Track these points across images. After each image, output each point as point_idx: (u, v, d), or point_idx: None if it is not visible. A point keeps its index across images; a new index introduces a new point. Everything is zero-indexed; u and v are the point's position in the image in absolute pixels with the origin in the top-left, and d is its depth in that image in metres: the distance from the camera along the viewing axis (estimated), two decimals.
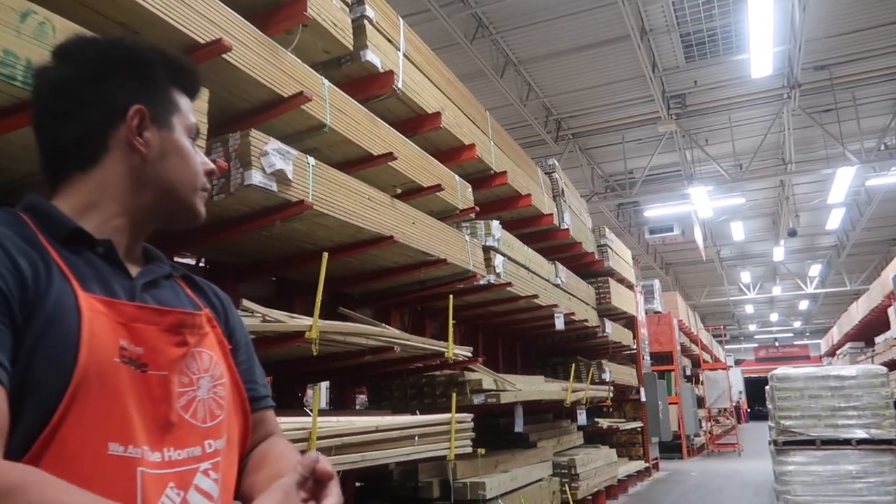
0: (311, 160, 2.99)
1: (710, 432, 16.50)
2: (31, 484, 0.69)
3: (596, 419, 9.14)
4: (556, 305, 6.37)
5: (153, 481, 0.82)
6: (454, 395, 4.19)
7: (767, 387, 6.66)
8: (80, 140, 0.93)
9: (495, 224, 5.07)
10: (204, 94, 2.29)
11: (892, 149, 11.96)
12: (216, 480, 0.90)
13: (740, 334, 37.81)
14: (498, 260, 4.99)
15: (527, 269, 5.73)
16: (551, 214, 6.58)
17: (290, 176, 2.79)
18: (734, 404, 19.98)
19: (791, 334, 38.55)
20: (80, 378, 0.78)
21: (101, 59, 0.95)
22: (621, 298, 9.12)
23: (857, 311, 16.43)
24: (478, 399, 4.69)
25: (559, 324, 6.54)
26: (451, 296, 4.36)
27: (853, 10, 8.90)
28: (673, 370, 13.79)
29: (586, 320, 7.59)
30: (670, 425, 12.04)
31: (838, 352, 20.72)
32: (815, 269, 23.09)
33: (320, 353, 3.01)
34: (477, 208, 4.79)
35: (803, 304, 29.96)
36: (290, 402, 4.12)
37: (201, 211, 1.03)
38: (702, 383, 17.22)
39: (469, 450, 4.14)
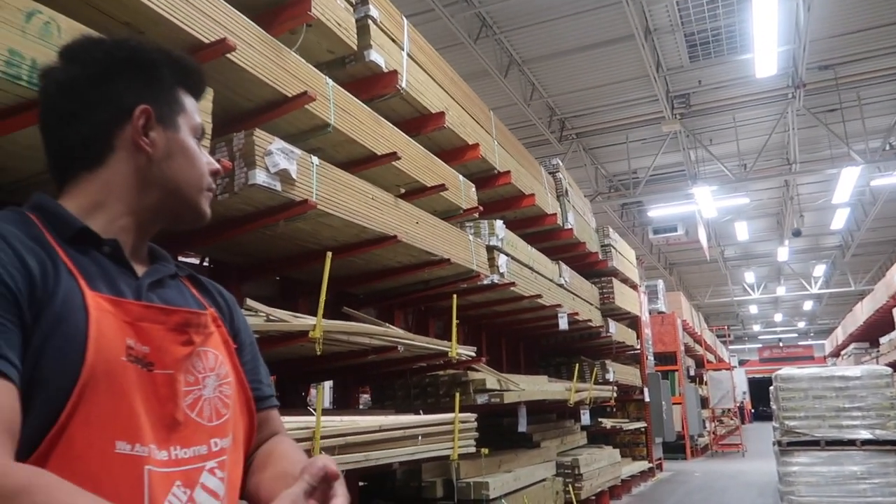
0: (315, 160, 2.99)
1: (713, 433, 16.47)
2: (39, 486, 0.70)
3: (599, 419, 9.13)
4: (559, 305, 6.36)
5: (160, 480, 0.82)
6: (457, 394, 4.19)
7: (772, 387, 6.64)
8: (86, 140, 0.94)
9: (499, 224, 5.07)
10: (208, 93, 2.30)
11: None
12: (222, 479, 0.90)
13: (744, 335, 37.73)
14: (501, 260, 4.99)
15: (530, 268, 5.73)
16: (555, 214, 6.58)
17: (294, 175, 2.79)
18: (738, 405, 19.93)
19: (795, 335, 38.45)
20: (88, 377, 0.78)
21: (107, 60, 0.95)
22: (625, 298, 9.11)
23: (862, 312, 16.37)
24: (481, 399, 4.69)
25: (563, 324, 6.53)
26: (454, 295, 4.37)
27: (858, 9, 8.88)
28: (677, 370, 13.77)
29: (590, 320, 7.58)
30: (674, 426, 12.02)
31: (843, 352, 20.66)
32: (820, 270, 23.03)
33: (324, 352, 3.02)
34: (481, 208, 4.79)
35: (807, 305, 29.89)
36: (294, 402, 4.12)
37: (206, 211, 1.03)
38: (705, 384, 17.17)
39: (472, 450, 4.14)
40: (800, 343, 37.58)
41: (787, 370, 6.70)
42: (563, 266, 6.76)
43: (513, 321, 6.72)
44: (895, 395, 6.12)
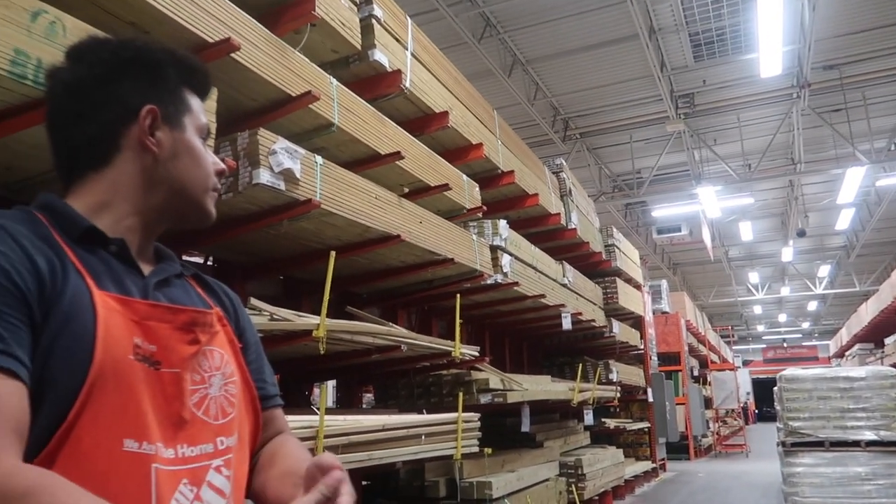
0: (319, 159, 3.00)
1: (717, 433, 16.44)
2: (45, 488, 0.70)
3: (603, 419, 9.12)
4: (563, 305, 6.36)
5: (167, 478, 0.82)
6: (461, 394, 4.19)
7: (776, 388, 6.63)
8: (93, 140, 0.94)
9: (502, 223, 5.07)
10: (213, 93, 2.30)
11: None
12: (228, 477, 0.91)
13: (748, 335, 37.65)
14: (505, 259, 4.99)
15: (534, 268, 5.72)
16: (559, 214, 6.57)
17: (298, 175, 2.80)
18: (742, 405, 19.89)
19: (799, 335, 38.35)
20: (96, 375, 0.78)
21: (113, 60, 0.95)
22: (629, 298, 9.10)
23: (867, 312, 16.33)
24: (484, 398, 4.69)
25: (566, 324, 6.53)
26: (458, 295, 4.37)
27: (863, 9, 8.85)
28: (680, 371, 13.75)
29: (593, 320, 7.57)
30: (677, 426, 12.00)
31: (847, 353, 20.62)
32: (825, 270, 22.97)
33: (327, 351, 3.02)
34: (484, 208, 4.79)
35: (812, 305, 29.81)
36: (298, 401, 4.13)
37: (212, 211, 1.03)
38: (709, 384, 17.14)
39: (476, 449, 4.14)
40: (804, 344, 37.49)
41: (791, 371, 6.68)
42: (567, 266, 6.75)
43: (516, 321, 6.71)
44: None
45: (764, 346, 38.50)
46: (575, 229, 6.93)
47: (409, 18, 4.13)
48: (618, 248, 8.77)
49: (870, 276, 22.29)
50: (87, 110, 0.94)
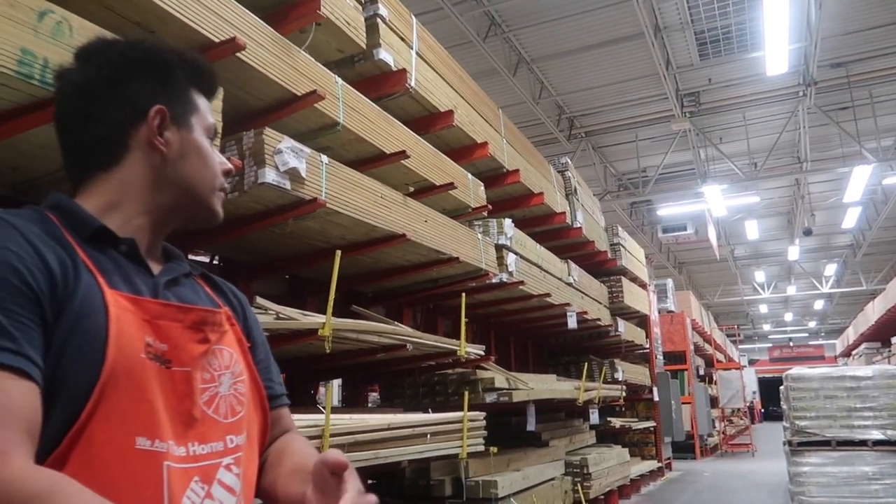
0: (325, 158, 3.00)
1: (723, 432, 16.41)
2: (57, 493, 0.70)
3: (608, 418, 9.11)
4: (568, 304, 6.35)
5: (179, 475, 0.83)
6: (466, 393, 4.19)
7: (782, 387, 6.61)
8: (102, 140, 0.95)
9: (508, 222, 5.06)
10: (219, 93, 2.31)
11: None
12: (238, 475, 0.91)
13: (754, 334, 37.54)
14: (510, 258, 4.99)
15: (539, 267, 5.72)
16: (564, 213, 6.57)
17: (303, 174, 2.80)
18: (748, 404, 19.84)
19: (806, 334, 38.23)
20: (109, 374, 0.79)
21: (122, 61, 0.96)
22: (634, 297, 9.08)
23: (874, 311, 16.25)
24: (490, 397, 4.68)
25: (571, 322, 6.52)
26: (463, 294, 4.37)
27: (870, 6, 8.80)
28: (686, 370, 13.71)
29: (599, 319, 7.56)
30: (683, 425, 11.98)
31: (854, 352, 20.52)
32: (831, 269, 22.88)
33: (333, 350, 3.03)
34: (489, 206, 4.79)
35: (818, 304, 29.70)
36: (303, 400, 4.14)
37: (219, 211, 1.04)
38: (715, 383, 17.10)
39: (481, 448, 4.14)
40: (810, 343, 37.35)
41: (798, 370, 6.66)
42: (572, 265, 6.74)
43: (521, 320, 6.71)
44: None
45: (770, 345, 38.37)
46: (580, 228, 6.92)
47: (413, 17, 4.13)
48: (623, 246, 8.76)
49: (876, 275, 22.18)
50: (97, 111, 0.94)
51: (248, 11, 2.60)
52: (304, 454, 1.02)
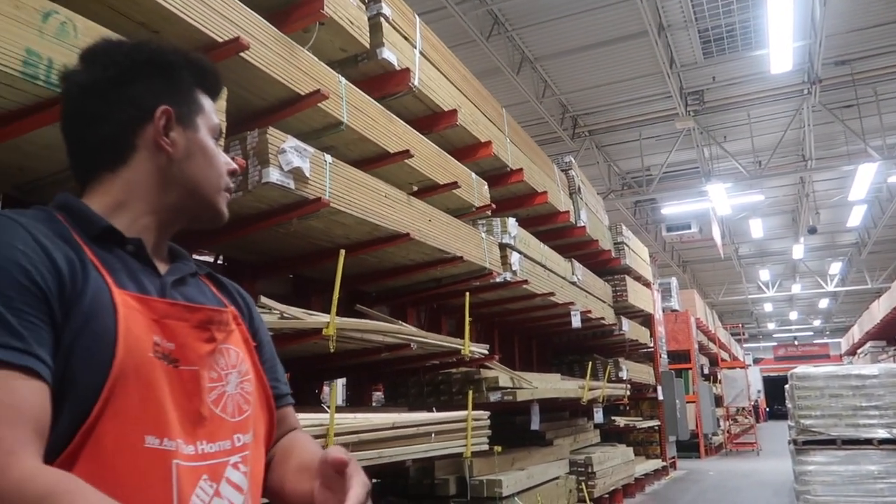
0: (328, 158, 3.00)
1: (728, 431, 16.37)
2: (65, 493, 0.70)
3: (613, 417, 9.09)
4: (572, 303, 6.35)
5: (188, 473, 0.83)
6: (470, 392, 4.19)
7: (787, 386, 6.59)
8: (108, 141, 0.95)
9: (511, 221, 5.06)
10: (223, 93, 2.31)
11: None
12: (245, 473, 0.92)
13: (759, 333, 37.45)
14: (514, 257, 4.98)
15: (543, 266, 5.71)
16: (567, 212, 6.56)
17: (307, 173, 2.81)
18: (752, 403, 19.79)
19: (811, 333, 38.11)
20: (118, 374, 0.79)
21: (127, 62, 0.96)
22: (638, 296, 9.06)
23: (879, 310, 16.21)
24: (494, 396, 4.69)
25: (575, 321, 6.52)
26: (467, 293, 4.37)
27: (875, 4, 8.77)
28: (690, 369, 13.69)
29: (603, 318, 7.56)
30: (688, 424, 11.96)
31: (859, 351, 20.48)
32: (836, 267, 22.80)
33: (337, 350, 3.03)
34: (493, 205, 4.79)
35: (823, 303, 29.61)
36: (308, 399, 4.14)
37: (224, 211, 1.04)
38: (720, 382, 17.07)
39: (485, 447, 4.14)
40: (815, 341, 37.25)
41: (803, 368, 6.64)
42: (576, 264, 6.74)
43: (525, 319, 6.71)
44: None
45: (775, 343, 38.27)
46: (584, 227, 6.92)
47: (417, 16, 4.13)
48: (627, 245, 8.74)
49: (882, 273, 22.10)
50: (103, 111, 0.95)
51: (251, 11, 2.60)
52: (310, 451, 1.03)
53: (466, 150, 4.80)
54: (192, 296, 0.97)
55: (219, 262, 3.60)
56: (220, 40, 2.39)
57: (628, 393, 8.65)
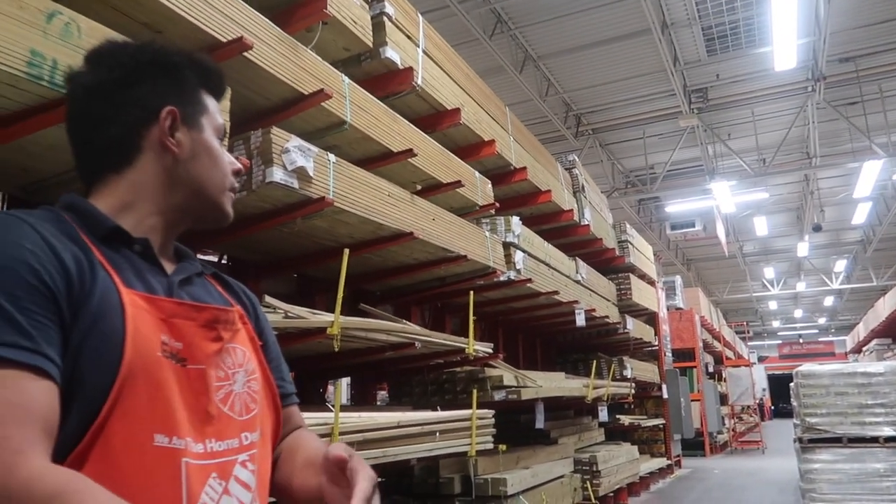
0: (332, 157, 3.00)
1: (733, 430, 16.33)
2: (73, 493, 0.71)
3: (617, 416, 9.09)
4: (576, 302, 6.34)
5: (197, 472, 0.84)
6: (475, 391, 4.19)
7: (792, 384, 6.57)
8: (114, 142, 0.96)
9: (515, 220, 5.06)
10: (227, 93, 2.31)
11: None
12: (253, 472, 0.92)
13: (763, 331, 37.36)
14: (518, 256, 4.98)
15: (547, 265, 5.71)
16: (571, 210, 6.55)
17: (311, 173, 2.81)
18: (758, 401, 19.74)
19: (816, 331, 38.01)
20: (126, 374, 0.79)
21: (132, 63, 0.97)
22: (642, 295, 9.05)
23: (884, 308, 16.15)
24: (498, 395, 4.68)
25: (580, 320, 6.51)
26: (471, 292, 4.37)
27: (879, 0, 8.73)
28: (695, 367, 13.66)
29: (607, 317, 7.55)
30: (693, 422, 11.94)
31: (864, 348, 20.41)
32: (841, 265, 22.72)
33: (342, 349, 3.03)
34: (497, 204, 4.78)
35: (828, 301, 29.51)
36: (312, 398, 4.15)
37: (229, 211, 1.05)
38: (724, 380, 17.04)
39: (490, 446, 4.14)
40: (820, 339, 37.17)
41: (808, 366, 6.62)
42: (580, 262, 6.73)
43: (530, 318, 6.70)
44: None
45: (780, 341, 38.20)
46: (588, 225, 6.91)
47: (420, 15, 4.12)
48: (631, 244, 8.73)
49: (887, 271, 22.03)
50: (109, 113, 0.95)
51: (254, 11, 2.60)
52: (315, 448, 1.04)
53: (470, 148, 4.79)
54: (198, 295, 0.97)
55: (223, 261, 3.60)
56: (223, 40, 2.39)
57: (633, 391, 8.64)
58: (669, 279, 14.28)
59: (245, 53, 2.48)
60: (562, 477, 5.79)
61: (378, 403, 5.52)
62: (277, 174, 2.65)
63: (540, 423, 5.61)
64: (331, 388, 5.05)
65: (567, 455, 6.33)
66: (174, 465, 0.81)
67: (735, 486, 9.09)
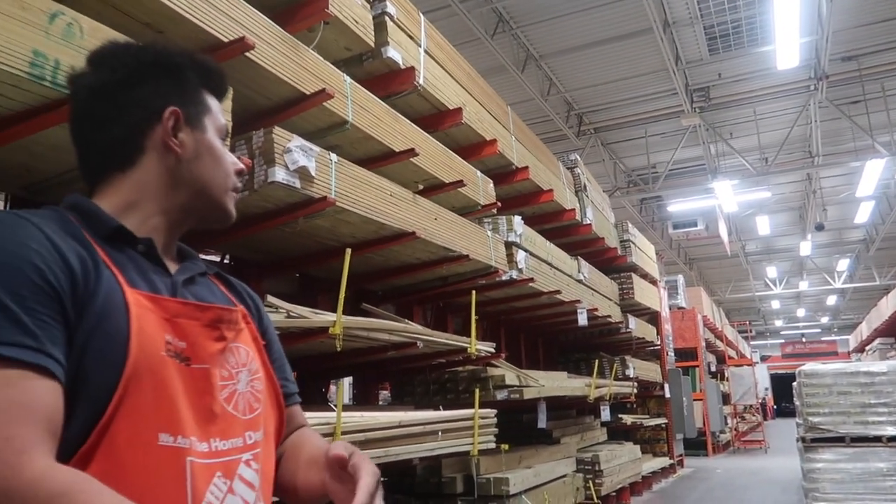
0: (334, 157, 3.00)
1: (735, 429, 16.32)
2: (78, 493, 0.71)
3: (619, 415, 9.08)
4: (578, 301, 6.34)
5: (202, 470, 0.84)
6: (477, 390, 4.19)
7: (795, 383, 6.56)
8: (118, 142, 0.96)
9: (517, 220, 5.05)
10: (229, 93, 2.31)
11: None
12: (257, 471, 0.93)
13: (766, 330, 37.31)
14: (520, 255, 4.98)
15: (549, 264, 5.71)
16: (573, 210, 6.55)
17: (313, 173, 2.81)
18: (760, 401, 19.72)
19: (818, 330, 37.95)
20: (131, 373, 0.80)
21: (135, 64, 0.97)
22: (644, 294, 9.05)
23: (887, 307, 16.10)
24: (501, 395, 4.68)
25: (582, 319, 6.51)
26: (473, 291, 4.36)
27: None
28: (697, 366, 13.65)
29: (609, 316, 7.54)
30: (695, 422, 11.92)
31: (867, 348, 20.35)
32: (844, 264, 22.68)
33: (344, 348, 3.03)
34: (499, 204, 4.78)
35: (831, 300, 29.46)
36: (314, 398, 4.15)
37: (232, 211, 1.05)
38: (727, 379, 17.02)
39: (492, 445, 4.14)
40: (823, 339, 37.10)
41: (811, 366, 6.60)
42: (582, 262, 6.73)
43: (532, 317, 6.70)
44: None
45: (782, 341, 38.15)
46: (590, 225, 6.90)
47: (421, 15, 4.12)
48: (633, 243, 8.73)
49: (890, 270, 21.99)
50: (112, 113, 0.96)
51: (256, 11, 2.60)
52: (317, 446, 1.04)
53: (472, 148, 4.79)
54: (202, 295, 0.97)
55: (225, 261, 3.61)
56: (225, 40, 2.39)
57: (635, 391, 8.64)
58: (672, 278, 14.26)
59: (247, 53, 2.48)
60: (564, 476, 5.79)
61: (380, 403, 5.52)
62: (279, 174, 2.65)
63: (542, 423, 5.61)
64: (333, 387, 5.05)
65: (569, 454, 6.33)
66: (179, 464, 0.81)
67: (738, 485, 9.08)
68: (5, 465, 0.69)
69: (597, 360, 7.48)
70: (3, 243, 0.78)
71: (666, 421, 10.41)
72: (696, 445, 12.93)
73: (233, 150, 2.68)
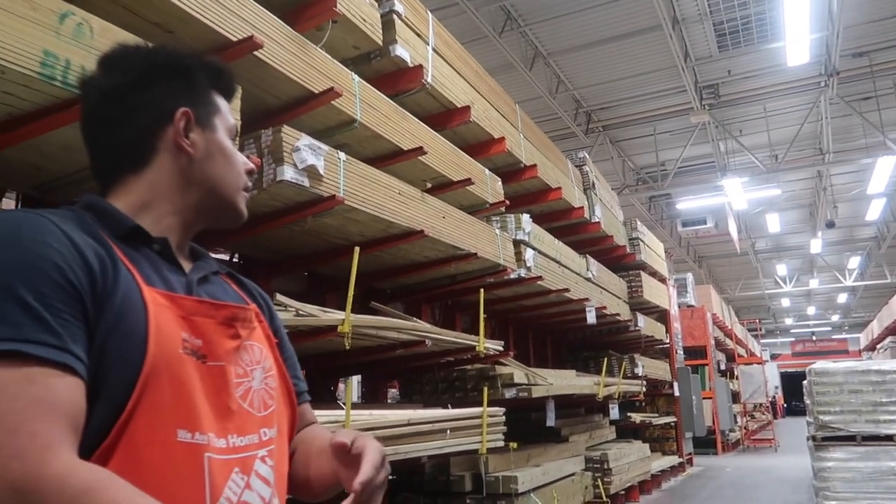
0: (342, 155, 3.01)
1: (745, 428, 16.25)
2: (102, 490, 0.72)
3: (628, 414, 9.06)
4: (587, 299, 6.32)
5: (220, 466, 0.85)
6: (485, 388, 4.19)
7: (805, 381, 6.53)
8: (130, 143, 0.97)
9: (525, 218, 5.05)
10: (237, 92, 2.32)
11: None
12: (272, 467, 0.94)
13: (776, 328, 37.12)
14: (528, 254, 4.97)
15: (558, 262, 5.70)
16: (582, 208, 6.53)
17: (321, 171, 2.81)
18: (770, 399, 19.62)
19: (829, 328, 37.72)
20: (150, 371, 0.81)
21: (145, 66, 0.99)
22: (653, 292, 9.02)
23: None
24: (509, 393, 4.68)
25: (591, 318, 6.49)
26: (481, 290, 4.36)
27: None
28: (707, 364, 13.59)
29: (618, 314, 7.52)
30: (704, 420, 11.87)
31: (879, 346, 20.20)
32: (854, 262, 22.52)
33: (353, 347, 3.04)
34: (507, 202, 4.78)
35: (842, 298, 29.29)
36: (323, 396, 4.16)
37: (244, 210, 1.07)
38: (736, 378, 16.95)
39: (501, 444, 4.14)
40: (834, 337, 36.85)
41: (821, 364, 6.57)
42: (591, 260, 6.71)
43: (540, 315, 6.69)
44: None
45: (792, 339, 37.92)
46: (598, 223, 6.88)
47: (429, 13, 4.12)
48: (642, 241, 8.70)
49: None
50: (124, 115, 0.97)
51: (265, 10, 2.61)
52: (326, 438, 1.05)
53: (480, 146, 4.79)
54: (216, 293, 0.99)
55: (234, 260, 3.62)
56: (234, 39, 2.40)
57: (644, 389, 8.61)
58: (681, 276, 14.21)
59: (255, 52, 2.49)
60: (573, 475, 5.78)
61: (389, 401, 5.53)
62: (288, 172, 2.66)
63: (551, 421, 5.61)
64: (342, 385, 5.06)
65: (578, 453, 6.32)
66: (197, 460, 0.83)
67: (747, 483, 9.04)
68: (32, 459, 0.70)
69: (605, 359, 7.47)
70: (24, 242, 0.79)
71: (675, 419, 10.37)
72: (706, 444, 12.88)
73: (241, 149, 2.68)
